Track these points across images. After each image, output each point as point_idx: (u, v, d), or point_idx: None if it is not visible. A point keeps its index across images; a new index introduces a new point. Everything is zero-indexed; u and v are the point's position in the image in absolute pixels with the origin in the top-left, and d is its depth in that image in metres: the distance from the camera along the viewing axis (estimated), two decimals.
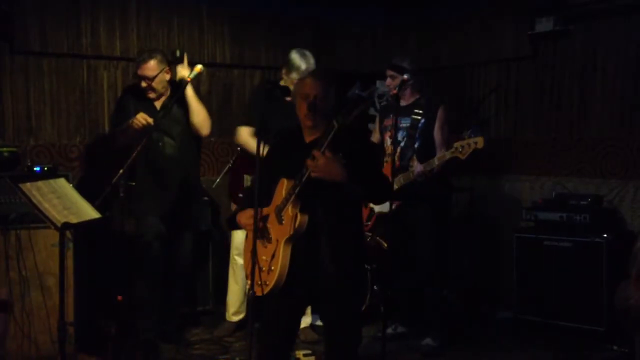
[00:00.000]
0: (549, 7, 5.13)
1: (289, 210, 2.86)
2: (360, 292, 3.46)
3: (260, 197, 2.88)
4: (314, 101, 2.90)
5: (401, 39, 6.33)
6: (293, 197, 2.84)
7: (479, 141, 3.91)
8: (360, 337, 3.09)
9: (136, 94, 4.43)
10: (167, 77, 4.40)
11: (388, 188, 3.26)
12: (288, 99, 4.45)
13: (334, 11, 6.11)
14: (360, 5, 6.09)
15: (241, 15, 5.76)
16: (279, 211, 2.90)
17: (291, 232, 2.84)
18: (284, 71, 4.55)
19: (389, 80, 4.54)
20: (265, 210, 3.00)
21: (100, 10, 5.15)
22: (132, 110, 4.31)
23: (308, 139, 3.01)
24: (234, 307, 4.78)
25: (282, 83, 4.43)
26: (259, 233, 2.95)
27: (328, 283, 2.92)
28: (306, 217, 2.84)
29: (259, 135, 3.15)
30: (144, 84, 4.34)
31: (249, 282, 3.01)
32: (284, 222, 2.89)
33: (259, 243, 3.00)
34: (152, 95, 4.38)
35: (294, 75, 4.39)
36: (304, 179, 2.81)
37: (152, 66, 4.30)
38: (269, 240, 2.94)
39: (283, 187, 2.90)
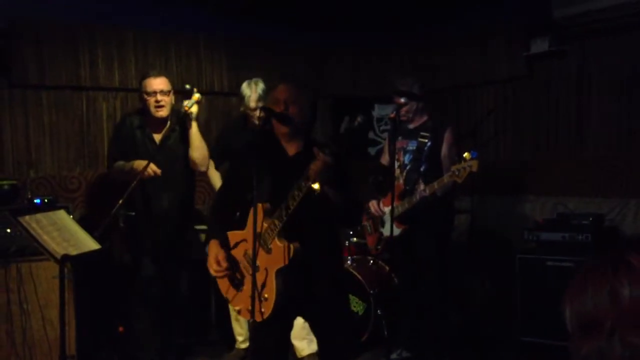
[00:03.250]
0: (543, 28, 5.16)
1: (277, 241, 2.85)
2: (344, 293, 3.48)
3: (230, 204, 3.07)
4: (286, 105, 2.91)
5: (397, 62, 6.36)
6: (279, 228, 2.84)
7: (474, 165, 3.91)
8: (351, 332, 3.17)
9: (136, 125, 4.36)
10: (172, 99, 4.34)
11: (359, 210, 3.27)
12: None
13: (329, 36, 6.16)
14: (355, 29, 6.13)
15: (238, 43, 5.80)
16: (264, 241, 2.89)
17: (286, 263, 2.84)
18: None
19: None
20: (240, 235, 3.00)
21: (98, 42, 5.18)
22: (130, 142, 4.28)
23: (290, 151, 3.01)
24: (242, 335, 4.74)
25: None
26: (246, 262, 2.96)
27: (318, 297, 2.98)
28: (298, 246, 2.84)
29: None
30: (159, 97, 4.22)
31: (236, 307, 3.06)
32: (272, 252, 2.88)
33: (243, 270, 3.00)
34: (164, 113, 4.26)
35: (244, 105, 4.52)
36: (289, 212, 2.80)
37: (164, 81, 4.28)
38: (257, 269, 2.89)
39: (261, 212, 2.86)
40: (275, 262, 2.86)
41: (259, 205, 2.86)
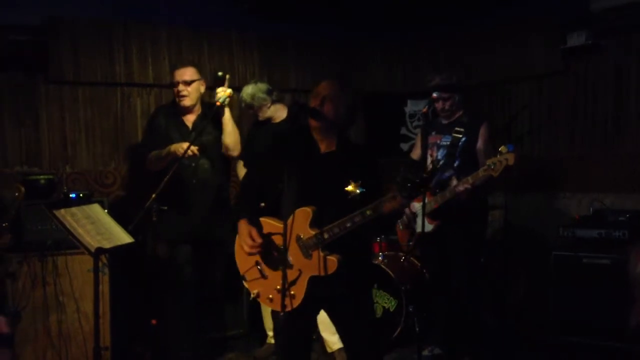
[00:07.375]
0: (580, 22, 5.07)
1: (320, 252, 2.84)
2: (367, 291, 3.39)
3: (255, 192, 3.10)
4: (322, 100, 2.92)
5: (430, 57, 6.31)
6: (326, 242, 2.84)
7: (510, 158, 3.83)
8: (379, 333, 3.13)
9: (167, 114, 4.45)
10: (202, 89, 4.44)
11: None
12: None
13: (361, 32, 6.13)
14: (388, 25, 6.10)
15: (270, 40, 5.82)
16: (306, 247, 2.88)
17: (322, 274, 2.84)
18: None
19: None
20: (276, 227, 2.96)
21: (133, 39, 5.25)
22: (163, 131, 4.36)
23: (323, 149, 3.01)
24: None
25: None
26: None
27: (344, 297, 2.96)
28: (339, 258, 2.83)
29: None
30: (180, 87, 4.34)
31: (253, 290, 3.07)
32: (312, 258, 2.87)
33: (268, 266, 3.00)
34: (187, 102, 4.36)
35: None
36: (344, 231, 2.81)
37: (189, 72, 4.38)
38: (289, 266, 2.90)
39: (307, 218, 2.87)
40: (313, 269, 2.85)
41: (307, 209, 2.86)
